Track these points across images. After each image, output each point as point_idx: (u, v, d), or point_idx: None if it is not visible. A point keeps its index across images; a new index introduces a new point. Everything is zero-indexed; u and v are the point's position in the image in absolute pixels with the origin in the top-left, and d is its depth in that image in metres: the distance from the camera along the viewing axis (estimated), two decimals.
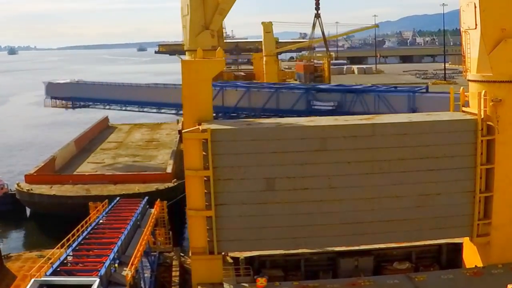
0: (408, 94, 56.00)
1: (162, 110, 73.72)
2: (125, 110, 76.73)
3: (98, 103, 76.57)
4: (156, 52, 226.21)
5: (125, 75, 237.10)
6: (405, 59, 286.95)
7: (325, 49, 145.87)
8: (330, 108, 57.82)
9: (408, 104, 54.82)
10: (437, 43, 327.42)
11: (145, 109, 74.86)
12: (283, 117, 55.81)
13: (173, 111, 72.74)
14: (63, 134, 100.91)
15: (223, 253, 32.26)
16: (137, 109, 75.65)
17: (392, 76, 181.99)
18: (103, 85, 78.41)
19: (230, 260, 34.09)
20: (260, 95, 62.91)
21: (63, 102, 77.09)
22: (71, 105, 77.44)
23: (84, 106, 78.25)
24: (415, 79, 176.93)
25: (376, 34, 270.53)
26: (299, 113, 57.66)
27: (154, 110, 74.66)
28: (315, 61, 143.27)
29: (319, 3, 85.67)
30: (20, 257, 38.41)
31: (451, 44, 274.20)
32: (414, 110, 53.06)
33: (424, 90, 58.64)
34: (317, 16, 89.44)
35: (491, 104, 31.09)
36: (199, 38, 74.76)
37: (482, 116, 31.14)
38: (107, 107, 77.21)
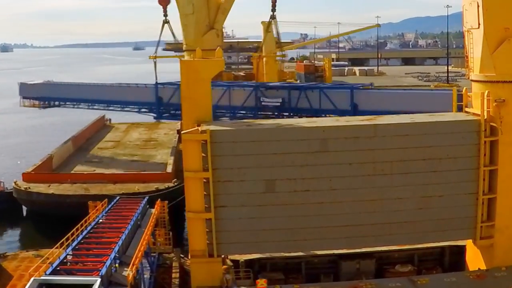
0: (348, 90, 58.66)
1: (126, 109, 76.16)
2: (92, 108, 79.28)
3: (68, 103, 79.48)
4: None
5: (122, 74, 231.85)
6: (407, 61, 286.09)
7: (327, 50, 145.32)
8: (277, 104, 60.47)
9: (349, 100, 57.25)
10: (439, 45, 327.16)
11: (110, 108, 77.23)
12: (234, 113, 62.58)
13: (136, 110, 75.03)
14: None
15: (222, 256, 31.91)
16: (102, 108, 78.17)
17: (393, 78, 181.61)
18: (72, 85, 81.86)
19: (230, 263, 33.71)
20: (215, 93, 63.65)
21: (36, 102, 79.84)
22: (41, 105, 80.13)
23: (53, 106, 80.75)
24: (417, 81, 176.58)
25: (378, 35, 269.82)
26: (249, 110, 61.70)
27: (118, 109, 76.93)
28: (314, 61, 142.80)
29: (275, 4, 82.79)
30: (16, 257, 38.02)
31: (454, 46, 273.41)
32: (355, 106, 56.28)
33: (361, 87, 62.25)
34: (273, 17, 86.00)
35: (495, 105, 30.75)
36: (206, 38, 74.46)
37: (485, 117, 30.79)
38: (76, 106, 79.97)
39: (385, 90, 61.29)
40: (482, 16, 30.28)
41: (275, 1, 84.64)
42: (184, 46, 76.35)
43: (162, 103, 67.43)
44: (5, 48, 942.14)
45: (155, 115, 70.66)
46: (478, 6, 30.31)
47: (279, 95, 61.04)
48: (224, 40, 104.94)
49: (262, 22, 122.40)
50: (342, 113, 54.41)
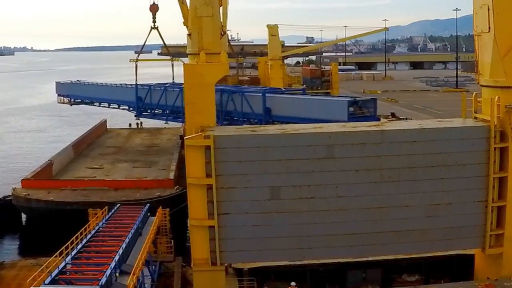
0: (261, 94, 60.45)
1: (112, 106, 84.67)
2: (103, 107, 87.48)
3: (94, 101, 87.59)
4: (159, 54, 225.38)
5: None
6: (415, 65, 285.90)
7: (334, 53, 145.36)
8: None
9: (262, 104, 58.83)
10: (449, 49, 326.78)
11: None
12: (178, 113, 67.65)
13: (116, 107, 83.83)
14: None
15: (226, 264, 31.31)
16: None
17: (401, 83, 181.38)
18: (93, 85, 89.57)
19: (233, 272, 33.06)
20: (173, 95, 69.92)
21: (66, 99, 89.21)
22: (71, 102, 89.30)
23: (76, 103, 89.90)
24: (425, 86, 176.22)
25: (385, 39, 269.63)
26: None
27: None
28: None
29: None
30: (15, 265, 37.49)
31: (464, 50, 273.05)
32: (268, 109, 57.71)
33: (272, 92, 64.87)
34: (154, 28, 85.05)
35: (505, 111, 30.16)
36: (222, 41, 74.37)
37: (495, 123, 30.20)
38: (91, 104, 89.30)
39: (295, 96, 62.90)
40: (492, 19, 29.73)
41: None
42: (190, 49, 75.81)
43: (141, 102, 73.88)
44: (5, 52, 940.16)
45: (135, 112, 76.97)
46: (488, 9, 29.77)
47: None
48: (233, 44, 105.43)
49: (268, 25, 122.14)
50: (257, 116, 58.40)
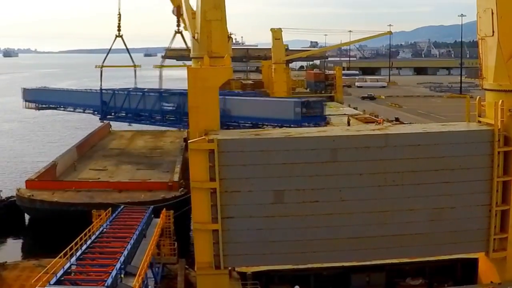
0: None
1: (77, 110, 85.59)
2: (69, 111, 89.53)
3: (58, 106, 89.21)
4: (163, 57, 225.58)
5: None
6: (419, 71, 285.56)
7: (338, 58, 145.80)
8: (172, 108, 66.87)
9: (222, 105, 59.26)
10: (452, 55, 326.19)
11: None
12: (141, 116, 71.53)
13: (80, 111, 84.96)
14: None
15: (229, 268, 31.26)
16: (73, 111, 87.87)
17: (405, 88, 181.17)
18: (57, 91, 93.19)
19: (237, 276, 33.04)
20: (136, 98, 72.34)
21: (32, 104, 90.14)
22: (37, 107, 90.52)
23: (44, 108, 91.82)
24: (429, 91, 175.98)
25: (390, 44, 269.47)
26: (153, 112, 69.85)
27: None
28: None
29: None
30: (17, 266, 37.34)
31: (468, 56, 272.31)
32: (226, 111, 59.39)
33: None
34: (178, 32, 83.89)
35: (509, 114, 30.14)
36: (229, 45, 74.83)
37: (499, 127, 30.15)
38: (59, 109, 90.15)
39: (249, 98, 67.80)
40: (496, 23, 29.73)
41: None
42: (196, 53, 75.91)
43: (106, 106, 75.58)
44: (8, 53, 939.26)
45: (99, 115, 79.00)
46: (492, 13, 29.77)
47: (174, 101, 67.06)
48: (234, 47, 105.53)
49: (271, 29, 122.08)
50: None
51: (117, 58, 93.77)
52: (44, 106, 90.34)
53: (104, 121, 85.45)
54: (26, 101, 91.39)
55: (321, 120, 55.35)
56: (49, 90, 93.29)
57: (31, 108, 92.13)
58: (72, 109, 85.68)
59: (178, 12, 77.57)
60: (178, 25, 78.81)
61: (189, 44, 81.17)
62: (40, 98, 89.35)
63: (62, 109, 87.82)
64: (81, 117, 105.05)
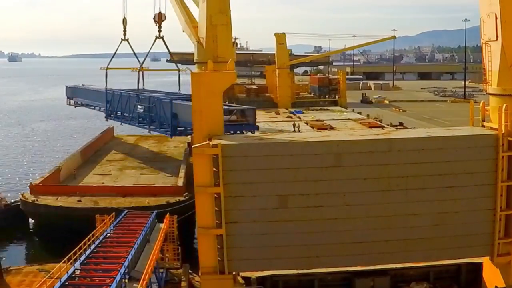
0: (170, 100, 63.13)
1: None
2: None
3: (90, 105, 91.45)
4: (167, 61, 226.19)
5: None
6: (423, 75, 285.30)
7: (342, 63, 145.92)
8: (142, 110, 67.62)
9: (170, 109, 61.46)
10: (456, 60, 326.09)
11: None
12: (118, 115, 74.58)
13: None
14: None
15: (234, 273, 31.20)
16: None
17: (409, 93, 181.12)
18: (85, 89, 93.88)
19: (241, 281, 33.04)
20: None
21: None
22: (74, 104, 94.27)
23: (76, 106, 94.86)
24: (433, 96, 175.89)
25: (394, 48, 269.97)
26: (130, 112, 71.40)
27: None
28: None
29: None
30: (20, 271, 37.33)
31: (471, 61, 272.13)
32: (174, 114, 59.99)
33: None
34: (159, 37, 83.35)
35: None
36: (234, 50, 75.01)
37: (503, 131, 30.05)
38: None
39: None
40: (500, 28, 29.72)
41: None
42: (200, 58, 75.99)
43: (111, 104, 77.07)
44: (14, 58, 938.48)
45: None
46: (496, 17, 29.76)
47: (144, 102, 68.05)
48: (239, 52, 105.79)
49: (275, 34, 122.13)
50: (167, 120, 61.47)
51: (124, 62, 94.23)
52: (79, 103, 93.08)
53: (109, 126, 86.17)
54: (68, 98, 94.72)
55: (252, 128, 54.28)
56: (83, 89, 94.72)
57: (71, 105, 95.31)
58: (98, 109, 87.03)
59: (159, 19, 78.06)
60: (160, 31, 79.23)
61: (171, 49, 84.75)
62: (77, 96, 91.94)
63: (92, 108, 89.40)
64: (86, 123, 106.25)
